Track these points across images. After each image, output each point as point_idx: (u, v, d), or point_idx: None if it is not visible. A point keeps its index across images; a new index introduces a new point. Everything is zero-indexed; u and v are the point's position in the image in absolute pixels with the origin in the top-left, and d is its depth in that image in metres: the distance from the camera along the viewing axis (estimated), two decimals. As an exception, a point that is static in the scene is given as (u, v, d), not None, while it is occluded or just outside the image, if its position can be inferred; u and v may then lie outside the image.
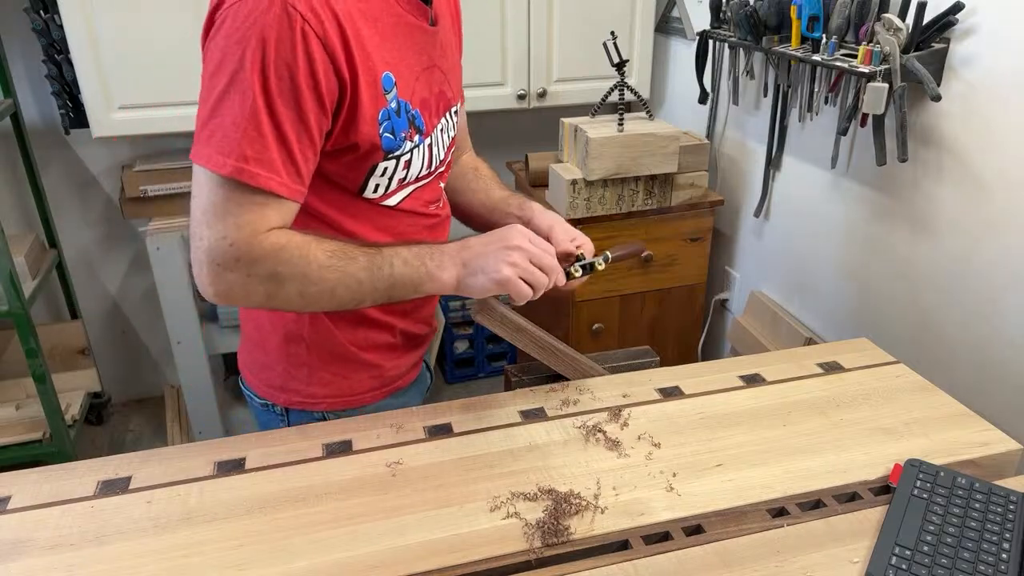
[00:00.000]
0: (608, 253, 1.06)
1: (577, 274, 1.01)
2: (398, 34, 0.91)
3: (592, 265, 1.02)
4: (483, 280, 0.90)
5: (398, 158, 0.94)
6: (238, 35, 0.78)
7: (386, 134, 0.91)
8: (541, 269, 0.91)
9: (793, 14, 1.59)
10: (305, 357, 1.04)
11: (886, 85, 1.39)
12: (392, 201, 0.98)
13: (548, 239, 1.02)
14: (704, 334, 2.28)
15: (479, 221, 1.19)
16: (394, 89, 0.91)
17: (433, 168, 1.03)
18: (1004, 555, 0.79)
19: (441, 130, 1.03)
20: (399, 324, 1.08)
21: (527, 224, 1.05)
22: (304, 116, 0.82)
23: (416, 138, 0.96)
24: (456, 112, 1.08)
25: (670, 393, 1.09)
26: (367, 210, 0.96)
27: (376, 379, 1.09)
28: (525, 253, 0.90)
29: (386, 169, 0.94)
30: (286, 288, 0.85)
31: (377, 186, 0.95)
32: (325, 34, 0.81)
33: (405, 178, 0.97)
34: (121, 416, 2.62)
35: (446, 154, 1.07)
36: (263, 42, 0.78)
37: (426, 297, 1.06)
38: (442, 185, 1.09)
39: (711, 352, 2.36)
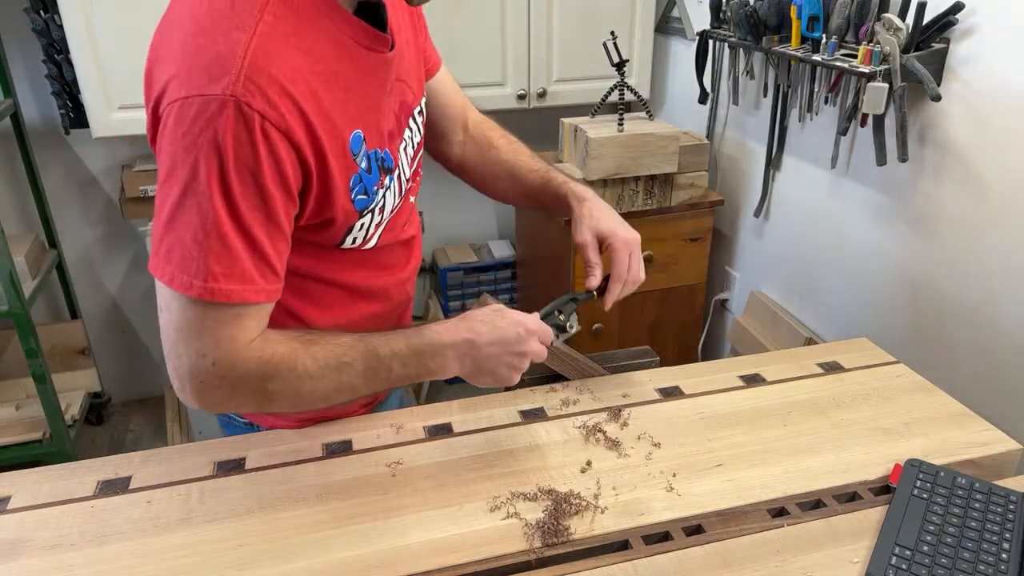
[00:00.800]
0: (576, 299, 1.04)
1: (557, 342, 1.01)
2: (360, 79, 0.83)
3: (564, 328, 1.01)
4: (490, 382, 0.90)
5: (373, 210, 0.89)
6: (187, 141, 0.70)
7: (359, 196, 0.85)
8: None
9: (793, 14, 1.59)
10: None
11: (886, 85, 1.39)
12: (371, 244, 0.94)
13: (602, 247, 1.05)
14: (704, 334, 2.28)
15: (525, 203, 1.17)
16: (362, 146, 0.84)
17: (404, 192, 0.97)
18: (1004, 555, 0.79)
19: (404, 147, 0.95)
20: None
21: (592, 226, 1.05)
22: (273, 214, 0.75)
23: (387, 180, 0.90)
24: (421, 112, 1.00)
25: (670, 393, 1.09)
26: (346, 256, 0.92)
27: (371, 401, 1.07)
28: (531, 355, 0.89)
29: (363, 224, 0.89)
30: (277, 401, 0.82)
31: (355, 239, 0.90)
32: (287, 127, 0.73)
33: (381, 221, 0.93)
34: (121, 416, 2.62)
35: (414, 169, 1.01)
36: (219, 149, 0.69)
37: (402, 313, 1.06)
38: (413, 199, 1.03)
39: (711, 352, 2.36)
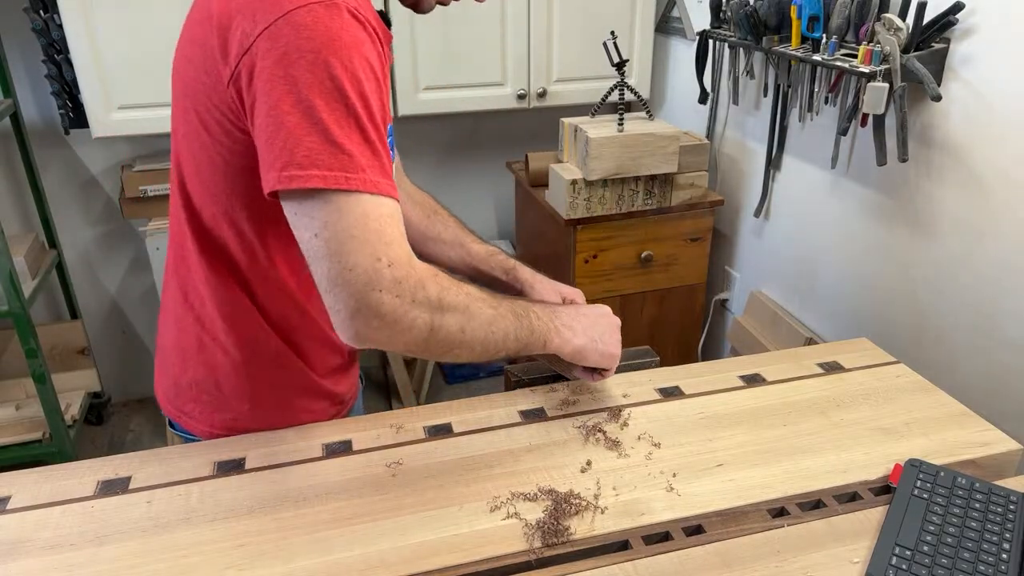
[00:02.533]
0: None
1: None
2: (383, 53, 0.89)
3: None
4: (602, 349, 0.96)
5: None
6: (311, 44, 0.70)
7: (392, 150, 0.89)
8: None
9: (793, 14, 1.59)
10: (268, 396, 0.99)
11: (886, 85, 1.39)
12: None
13: None
14: (704, 334, 2.28)
15: (465, 271, 1.16)
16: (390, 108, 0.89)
17: None
18: (1004, 555, 0.79)
19: None
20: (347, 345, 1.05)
21: (521, 290, 1.10)
22: (386, 117, 0.77)
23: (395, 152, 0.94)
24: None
25: (670, 393, 1.09)
26: None
27: (335, 406, 1.06)
28: (619, 335, 0.96)
29: None
30: (448, 320, 0.78)
31: None
32: (379, 38, 0.78)
33: None
34: (121, 416, 2.62)
35: None
36: (344, 44, 0.71)
37: None
38: None
39: (711, 352, 2.36)
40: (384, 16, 0.89)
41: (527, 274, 1.14)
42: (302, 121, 0.71)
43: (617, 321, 1.00)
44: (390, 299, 0.73)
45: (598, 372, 1.02)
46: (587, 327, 0.96)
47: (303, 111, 0.70)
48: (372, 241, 0.71)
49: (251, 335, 0.94)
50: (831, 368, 1.15)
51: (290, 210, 0.73)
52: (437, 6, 0.92)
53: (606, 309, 1.01)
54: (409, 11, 0.93)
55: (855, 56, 1.45)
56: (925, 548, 0.80)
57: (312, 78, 0.70)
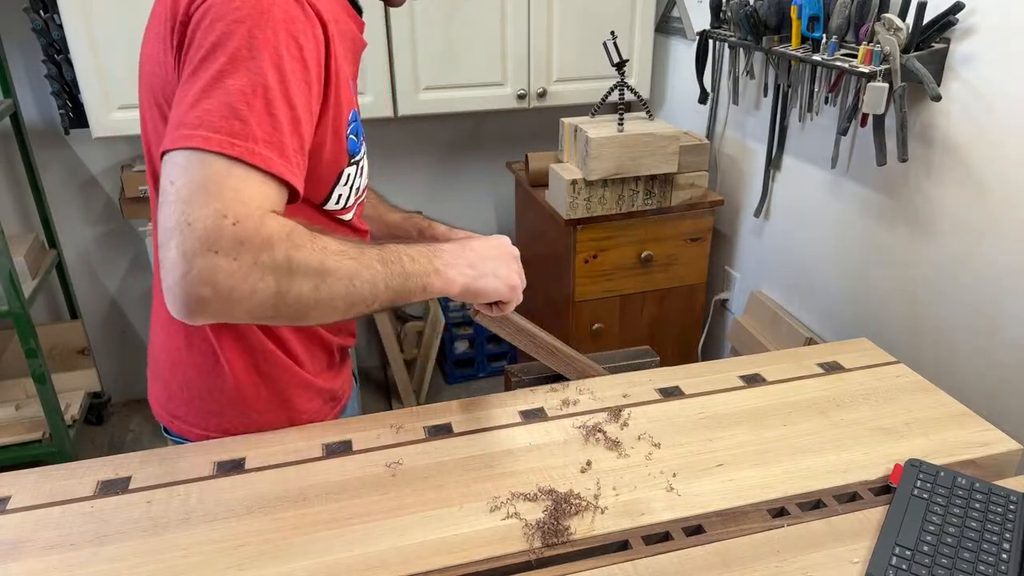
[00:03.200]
0: None
1: None
2: (350, 53, 0.88)
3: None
4: (495, 283, 0.87)
5: (358, 163, 0.91)
6: (238, 13, 0.70)
7: (351, 136, 0.87)
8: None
9: (793, 14, 1.59)
10: (261, 400, 0.98)
11: (886, 85, 1.39)
12: (348, 216, 0.94)
13: None
14: (704, 334, 2.28)
15: (383, 235, 1.14)
16: (354, 93, 0.88)
17: (364, 185, 0.99)
18: (1004, 555, 0.79)
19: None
20: (335, 340, 1.04)
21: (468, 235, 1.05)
22: (313, 97, 0.75)
23: (363, 145, 0.92)
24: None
25: (670, 393, 1.09)
26: (328, 225, 0.91)
27: (329, 403, 1.06)
28: (520, 271, 0.90)
29: (349, 176, 0.90)
30: (298, 282, 0.71)
31: (339, 196, 0.90)
32: (321, 16, 0.76)
33: (360, 187, 0.94)
34: (121, 416, 2.62)
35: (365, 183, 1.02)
36: (271, 17, 0.70)
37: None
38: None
39: (711, 352, 2.36)
40: (355, 4, 0.90)
41: (443, 230, 1.11)
42: (208, 86, 0.69)
43: (514, 251, 0.91)
44: (226, 263, 0.66)
45: (496, 304, 0.94)
46: (474, 262, 0.86)
47: (212, 76, 0.69)
48: (225, 198, 0.66)
49: (239, 335, 0.94)
50: (831, 368, 1.15)
51: (162, 166, 0.69)
52: (415, 3, 0.94)
53: (501, 240, 0.91)
54: (409, 11, 0.94)
55: (855, 56, 1.45)
56: (925, 548, 0.80)
57: (230, 47, 0.69)
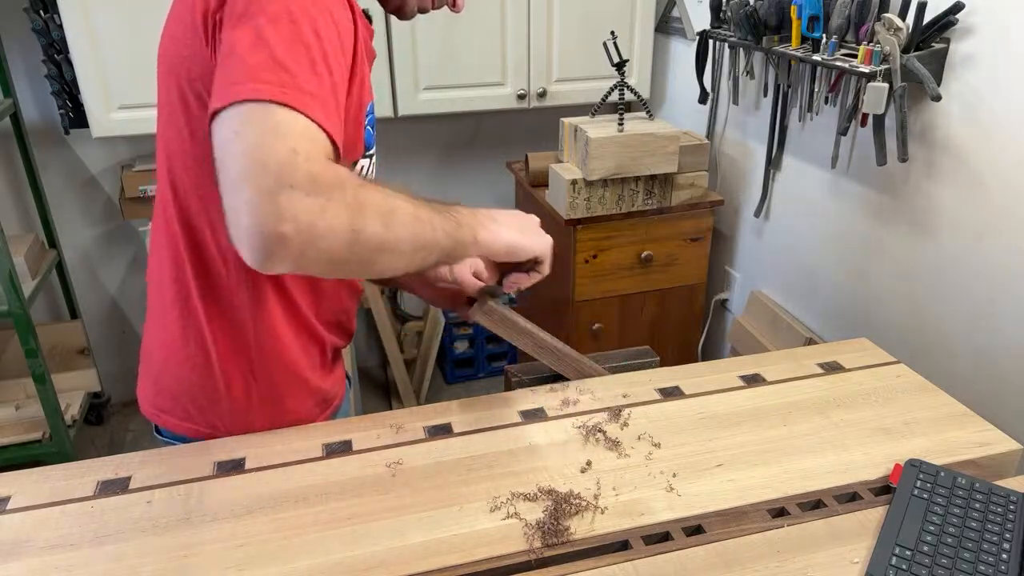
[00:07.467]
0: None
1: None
2: (366, 37, 0.92)
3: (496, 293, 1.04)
4: (536, 239, 0.92)
5: (371, 158, 0.93)
6: None
7: (368, 127, 0.90)
8: None
9: (793, 14, 1.59)
10: (254, 397, 0.98)
11: (886, 85, 1.39)
12: None
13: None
14: (704, 334, 2.28)
15: None
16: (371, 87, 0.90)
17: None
18: (1004, 555, 0.79)
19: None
20: (328, 337, 1.04)
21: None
22: (344, 75, 0.76)
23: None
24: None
25: (670, 393, 1.09)
26: None
27: (320, 404, 1.06)
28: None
29: (362, 169, 0.92)
30: (370, 220, 0.70)
31: None
32: (353, 6, 0.80)
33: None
34: (121, 416, 2.62)
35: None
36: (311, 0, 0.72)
37: (350, 303, 1.07)
38: None
39: (711, 352, 2.36)
40: (365, 13, 0.91)
41: (466, 208, 1.13)
42: (251, 48, 0.70)
43: (536, 218, 0.97)
44: (304, 198, 0.65)
45: (534, 270, 0.96)
46: (510, 223, 0.91)
47: (253, 39, 0.70)
48: (296, 137, 0.67)
49: (232, 325, 0.94)
50: (831, 368, 1.15)
51: (216, 126, 0.69)
52: (424, 12, 0.95)
53: (523, 213, 0.96)
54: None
55: (855, 56, 1.45)
56: (925, 548, 0.80)
57: (270, 13, 0.70)
